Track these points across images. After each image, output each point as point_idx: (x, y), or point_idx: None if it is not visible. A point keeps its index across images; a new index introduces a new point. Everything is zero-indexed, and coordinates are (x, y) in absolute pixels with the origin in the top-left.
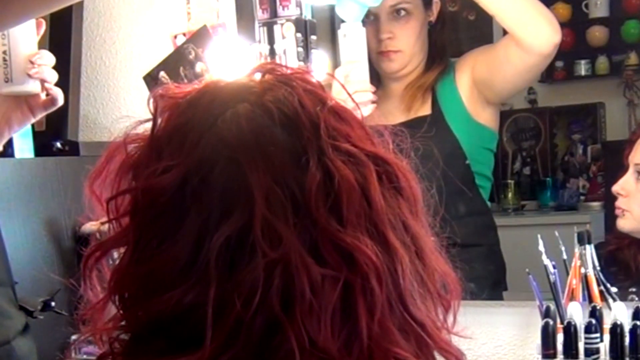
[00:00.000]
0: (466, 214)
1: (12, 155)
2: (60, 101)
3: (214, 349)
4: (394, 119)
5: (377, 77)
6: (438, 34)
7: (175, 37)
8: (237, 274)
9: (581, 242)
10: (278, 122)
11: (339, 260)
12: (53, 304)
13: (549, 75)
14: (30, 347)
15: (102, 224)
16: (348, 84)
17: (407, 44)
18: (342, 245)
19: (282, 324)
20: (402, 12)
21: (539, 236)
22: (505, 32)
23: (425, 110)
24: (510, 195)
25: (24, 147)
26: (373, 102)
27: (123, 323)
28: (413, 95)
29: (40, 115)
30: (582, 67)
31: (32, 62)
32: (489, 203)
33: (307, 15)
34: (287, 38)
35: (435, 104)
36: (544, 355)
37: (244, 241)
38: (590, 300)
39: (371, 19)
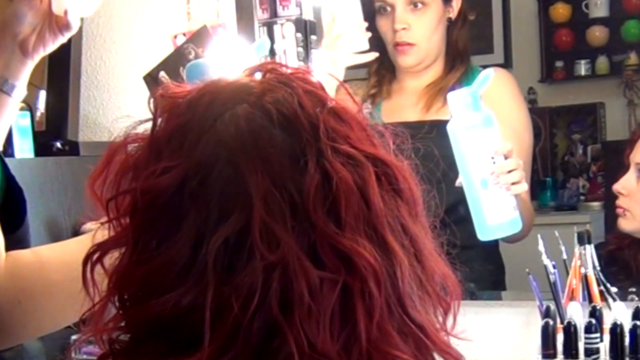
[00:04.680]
0: (467, 216)
1: (12, 155)
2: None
3: (212, 351)
4: (409, 116)
5: (393, 70)
6: (458, 33)
7: (175, 37)
8: (235, 277)
9: (581, 242)
10: (277, 123)
11: (337, 263)
12: None
13: (548, 75)
14: (39, 348)
15: (102, 224)
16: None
17: (422, 37)
18: (340, 248)
19: (281, 327)
20: (419, 4)
21: (539, 236)
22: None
23: (445, 114)
24: None
25: (24, 147)
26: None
27: (123, 324)
28: (433, 95)
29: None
30: (582, 67)
31: None
32: None
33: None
34: (287, 38)
35: None
36: (544, 355)
37: (242, 244)
38: (590, 300)
39: (387, 10)
